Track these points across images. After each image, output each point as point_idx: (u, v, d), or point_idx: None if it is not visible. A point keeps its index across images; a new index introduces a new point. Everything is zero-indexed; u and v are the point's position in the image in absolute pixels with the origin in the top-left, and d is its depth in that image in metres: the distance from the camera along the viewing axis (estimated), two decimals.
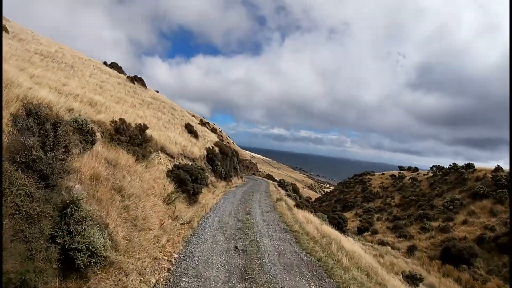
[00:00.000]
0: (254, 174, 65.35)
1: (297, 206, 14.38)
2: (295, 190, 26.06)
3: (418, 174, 44.71)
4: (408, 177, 42.99)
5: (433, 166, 39.54)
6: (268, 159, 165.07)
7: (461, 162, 37.24)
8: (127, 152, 7.97)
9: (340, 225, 18.50)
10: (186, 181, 9.91)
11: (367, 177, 52.63)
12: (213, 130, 33.65)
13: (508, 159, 5.41)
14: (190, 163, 12.56)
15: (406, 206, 32.99)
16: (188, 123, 19.29)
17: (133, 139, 8.99)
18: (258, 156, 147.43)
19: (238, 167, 37.95)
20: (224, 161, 20.23)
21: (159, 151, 11.05)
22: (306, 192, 78.64)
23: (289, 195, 18.50)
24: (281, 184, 26.46)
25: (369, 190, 44.98)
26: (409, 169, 50.53)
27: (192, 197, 10.14)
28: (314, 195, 79.43)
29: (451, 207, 27.99)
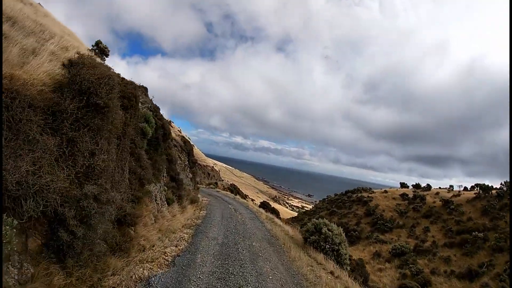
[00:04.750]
0: (216, 183, 51.37)
1: None
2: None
3: (437, 194, 34.02)
4: (434, 199, 31.71)
5: (476, 184, 28.79)
6: (230, 167, 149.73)
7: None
8: None
9: None
10: None
11: (365, 195, 40.79)
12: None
13: None
14: None
15: (469, 247, 20.81)
16: None
17: None
18: (221, 164, 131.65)
19: (196, 179, 21.07)
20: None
21: None
22: (275, 207, 65.07)
23: None
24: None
25: (379, 215, 32.77)
26: (417, 186, 40.01)
27: None
28: (285, 212, 66.29)
29: None
